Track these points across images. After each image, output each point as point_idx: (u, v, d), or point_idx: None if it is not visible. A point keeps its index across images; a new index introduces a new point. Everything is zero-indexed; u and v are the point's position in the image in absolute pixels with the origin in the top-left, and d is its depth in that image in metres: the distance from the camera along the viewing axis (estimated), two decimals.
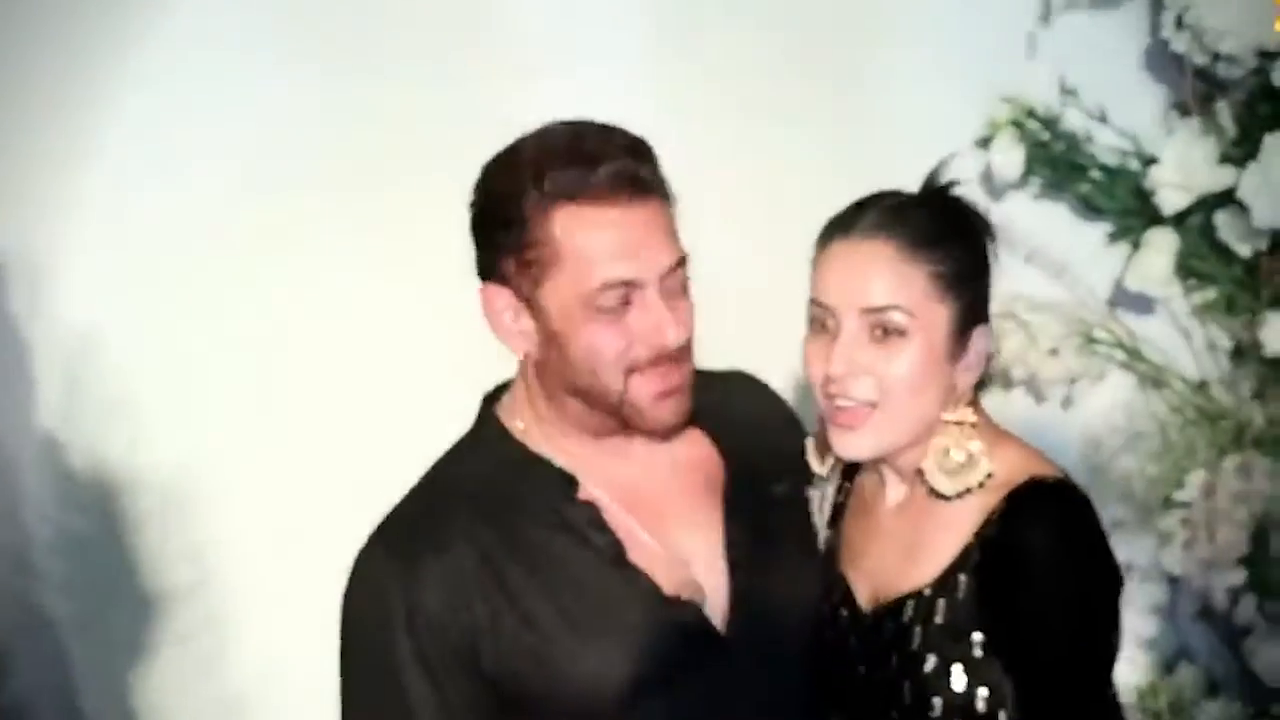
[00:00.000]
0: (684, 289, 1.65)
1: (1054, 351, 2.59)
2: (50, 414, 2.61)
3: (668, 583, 1.66)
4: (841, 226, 1.62)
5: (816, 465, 1.76)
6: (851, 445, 1.62)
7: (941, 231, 1.61)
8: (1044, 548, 1.56)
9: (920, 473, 1.63)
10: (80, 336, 2.57)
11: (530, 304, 1.62)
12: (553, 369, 1.65)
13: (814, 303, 1.62)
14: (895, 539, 1.66)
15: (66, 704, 2.65)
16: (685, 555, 1.69)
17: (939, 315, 1.59)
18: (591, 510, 1.65)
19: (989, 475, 1.60)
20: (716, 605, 1.68)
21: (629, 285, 1.60)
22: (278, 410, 2.61)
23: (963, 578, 1.58)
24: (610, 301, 1.60)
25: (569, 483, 1.67)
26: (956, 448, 1.61)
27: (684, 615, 1.65)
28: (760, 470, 1.76)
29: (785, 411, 1.93)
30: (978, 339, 1.62)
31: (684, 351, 1.65)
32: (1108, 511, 2.60)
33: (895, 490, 1.67)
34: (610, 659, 1.61)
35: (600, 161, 1.59)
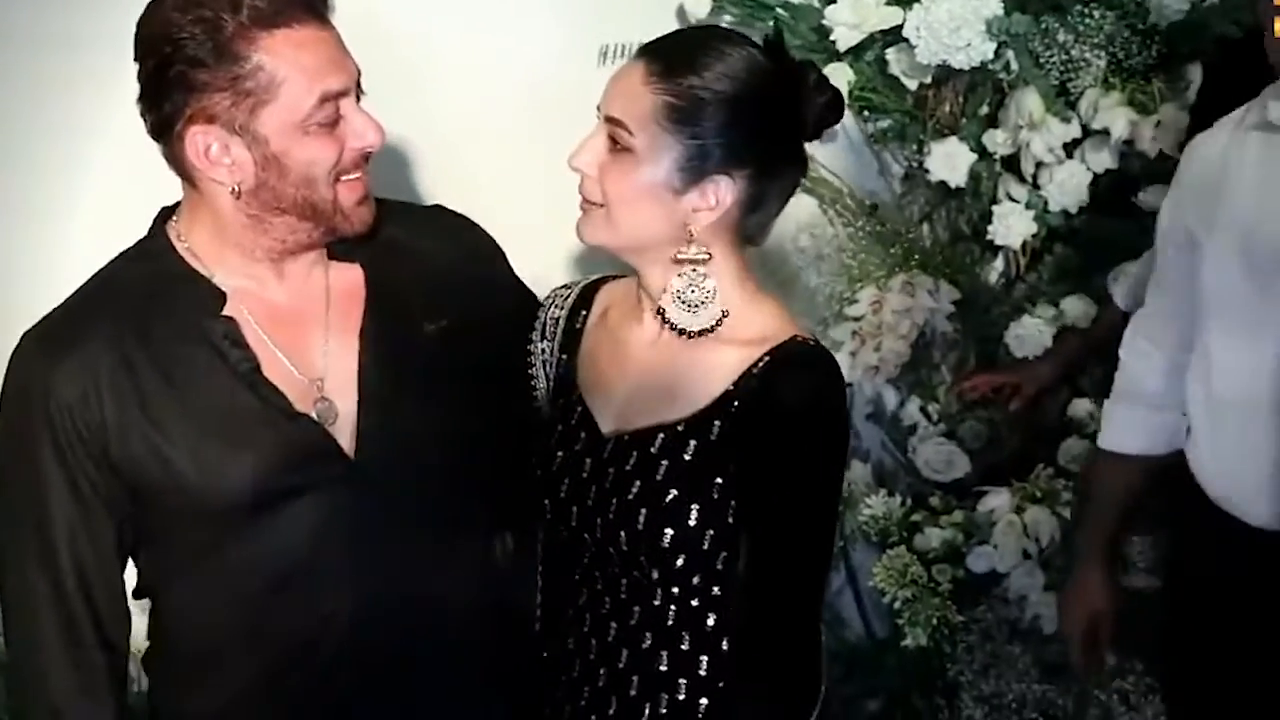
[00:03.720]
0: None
1: None
2: None
3: (299, 402, 1.70)
4: None
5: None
6: (580, 229, 1.66)
7: (689, 67, 1.58)
8: (801, 406, 1.58)
9: (662, 312, 1.65)
10: None
11: (242, 133, 1.63)
12: (268, 191, 1.66)
13: None
14: (650, 373, 1.68)
15: None
16: (322, 378, 1.73)
17: (665, 145, 1.58)
18: (231, 326, 1.69)
19: (725, 314, 1.63)
20: (346, 429, 1.72)
21: (338, 96, 1.64)
22: None
23: (717, 422, 1.61)
24: (327, 115, 1.64)
25: (216, 299, 1.70)
26: (693, 285, 1.63)
27: (308, 432, 1.70)
28: (410, 306, 1.79)
29: (478, 248, 1.92)
30: (719, 187, 1.60)
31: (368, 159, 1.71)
32: None
33: (650, 325, 1.68)
34: (231, 467, 1.66)
35: None
